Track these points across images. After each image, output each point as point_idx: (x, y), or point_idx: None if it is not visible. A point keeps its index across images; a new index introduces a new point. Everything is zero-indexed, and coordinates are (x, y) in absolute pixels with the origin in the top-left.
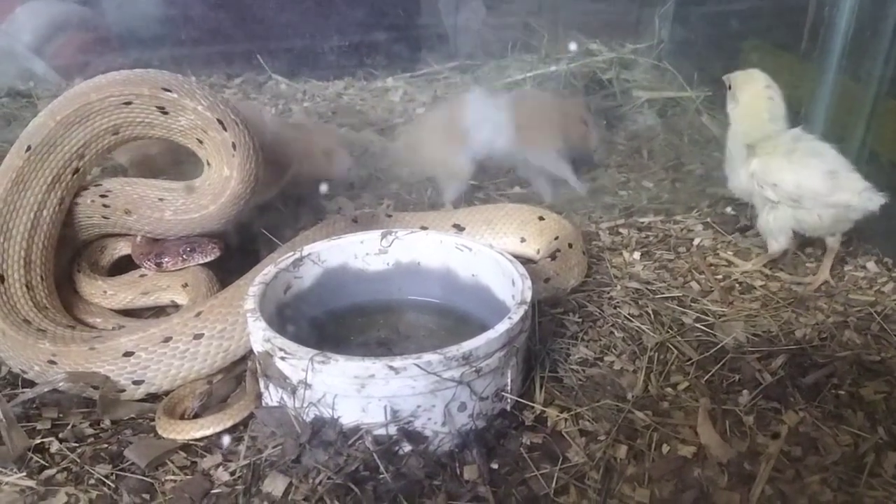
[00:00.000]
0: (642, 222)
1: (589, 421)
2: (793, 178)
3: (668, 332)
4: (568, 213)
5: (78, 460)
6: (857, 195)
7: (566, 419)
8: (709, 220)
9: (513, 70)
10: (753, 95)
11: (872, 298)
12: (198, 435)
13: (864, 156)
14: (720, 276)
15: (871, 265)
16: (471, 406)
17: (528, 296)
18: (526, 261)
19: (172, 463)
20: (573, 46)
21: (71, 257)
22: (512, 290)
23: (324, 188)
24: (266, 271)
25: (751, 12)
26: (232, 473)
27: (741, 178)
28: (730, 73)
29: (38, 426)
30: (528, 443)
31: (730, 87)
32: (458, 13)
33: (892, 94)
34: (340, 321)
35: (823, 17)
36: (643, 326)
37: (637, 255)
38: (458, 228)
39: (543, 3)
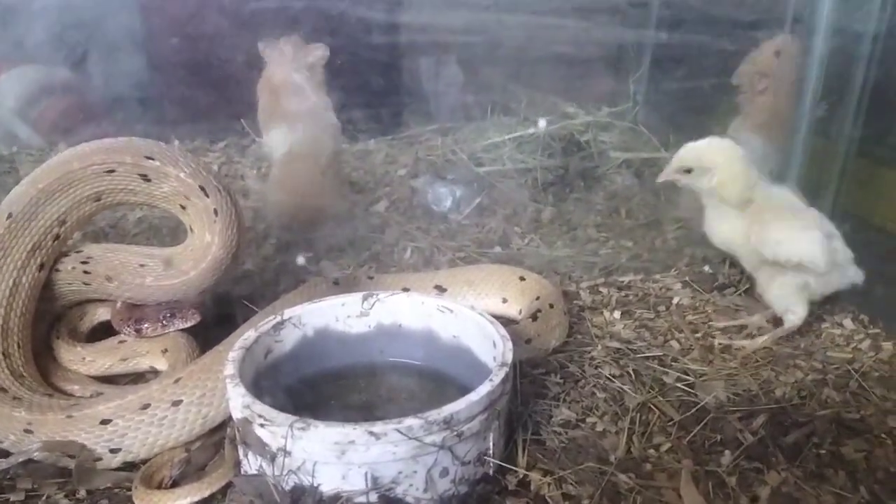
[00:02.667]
0: (622, 281)
1: (572, 484)
2: (796, 246)
3: (649, 391)
4: (548, 273)
5: None
6: (852, 266)
7: (549, 483)
8: (686, 278)
9: (492, 132)
10: (730, 160)
11: (850, 356)
12: None
13: (836, 214)
14: (699, 335)
15: (847, 322)
16: (453, 471)
17: (510, 357)
18: (508, 321)
19: None
20: (543, 119)
21: (50, 323)
22: (493, 351)
23: (301, 260)
24: (246, 336)
25: (722, 77)
26: None
27: (724, 231)
28: (696, 139)
29: (12, 498)
30: None
31: (689, 171)
32: (437, 78)
33: (862, 153)
34: (322, 385)
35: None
36: (625, 386)
37: (617, 314)
38: (440, 289)
39: (522, 69)
